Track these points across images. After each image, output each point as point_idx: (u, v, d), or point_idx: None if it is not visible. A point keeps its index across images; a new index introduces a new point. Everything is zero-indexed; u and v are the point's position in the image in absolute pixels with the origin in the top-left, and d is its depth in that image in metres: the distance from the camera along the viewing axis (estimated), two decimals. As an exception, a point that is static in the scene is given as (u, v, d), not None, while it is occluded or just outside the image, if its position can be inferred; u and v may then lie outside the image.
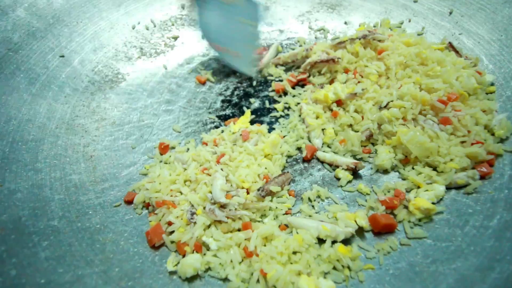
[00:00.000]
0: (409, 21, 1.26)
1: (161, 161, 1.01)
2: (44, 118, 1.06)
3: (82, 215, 0.86)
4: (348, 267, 0.75)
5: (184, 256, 0.79)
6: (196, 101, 1.18)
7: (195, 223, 0.81)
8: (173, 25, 1.40)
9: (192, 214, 0.83)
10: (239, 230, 0.81)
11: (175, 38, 1.36)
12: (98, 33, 1.30)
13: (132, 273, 0.76)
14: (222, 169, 0.90)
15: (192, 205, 0.85)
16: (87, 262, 0.77)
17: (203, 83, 1.22)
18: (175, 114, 1.14)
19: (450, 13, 1.22)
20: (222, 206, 0.82)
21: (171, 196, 0.89)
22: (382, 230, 0.80)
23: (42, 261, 0.75)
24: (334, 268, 0.75)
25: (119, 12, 1.37)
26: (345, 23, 1.35)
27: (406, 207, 0.83)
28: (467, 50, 1.13)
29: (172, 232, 0.82)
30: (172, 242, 0.81)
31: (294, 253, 0.77)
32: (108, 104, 1.15)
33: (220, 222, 0.81)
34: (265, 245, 0.79)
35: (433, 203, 0.82)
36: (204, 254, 0.79)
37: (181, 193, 0.89)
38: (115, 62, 1.27)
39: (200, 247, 0.79)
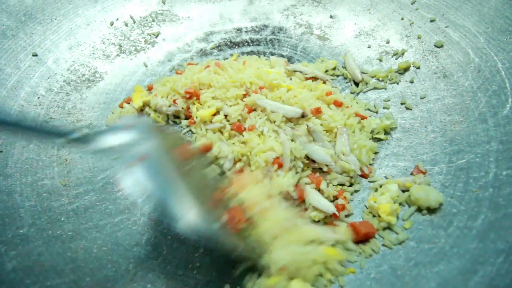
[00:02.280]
0: (402, 19, 1.22)
1: None
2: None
3: (54, 222, 0.83)
4: (330, 271, 0.73)
5: None
6: (177, 100, 1.14)
7: None
8: (153, 21, 1.35)
9: None
10: None
11: (156, 34, 1.32)
12: (74, 30, 1.25)
13: (104, 282, 0.73)
14: None
15: None
16: (57, 272, 0.74)
17: None
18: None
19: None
20: None
21: None
22: (362, 238, 0.77)
23: (8, 272, 0.72)
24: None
25: (96, 8, 1.31)
26: (331, 17, 1.32)
27: (374, 215, 0.81)
28: (454, 44, 1.10)
29: None
30: None
31: None
32: (84, 105, 1.11)
33: None
34: None
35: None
36: None
37: None
38: (92, 60, 1.22)
39: None
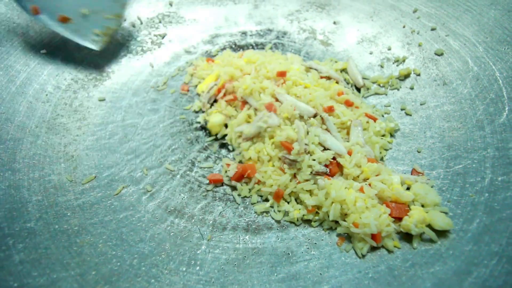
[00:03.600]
0: (404, 26, 1.25)
1: None
2: (24, 117, 1.04)
3: (60, 216, 0.85)
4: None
5: None
6: (182, 100, 1.16)
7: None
8: (160, 22, 1.38)
9: None
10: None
11: (162, 36, 1.34)
12: (82, 29, 1.27)
13: (109, 276, 0.75)
14: None
15: None
16: (63, 265, 0.76)
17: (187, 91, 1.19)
18: (160, 113, 1.13)
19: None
20: None
21: None
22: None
23: (16, 264, 0.74)
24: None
25: (104, 8, 1.34)
26: (334, 23, 1.35)
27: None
28: (453, 52, 1.13)
29: None
30: None
31: None
32: (91, 103, 1.13)
33: None
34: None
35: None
36: None
37: None
38: (100, 59, 1.24)
39: None
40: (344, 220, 0.81)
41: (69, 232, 0.82)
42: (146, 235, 0.84)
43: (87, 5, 1.03)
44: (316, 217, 0.85)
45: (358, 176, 0.87)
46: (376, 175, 0.86)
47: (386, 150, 0.98)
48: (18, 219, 0.82)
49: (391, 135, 1.02)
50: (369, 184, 0.84)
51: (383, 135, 1.00)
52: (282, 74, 1.03)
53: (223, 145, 1.05)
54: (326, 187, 0.83)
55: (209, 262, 0.80)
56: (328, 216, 0.82)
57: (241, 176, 0.93)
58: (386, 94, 1.13)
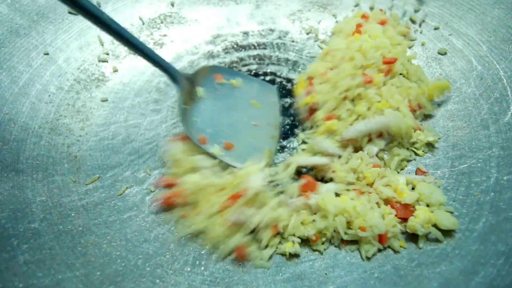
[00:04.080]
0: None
1: None
2: (27, 117, 1.03)
3: (64, 217, 0.85)
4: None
5: None
6: (184, 101, 1.16)
7: None
8: (162, 22, 1.38)
9: None
10: None
11: (164, 36, 1.34)
12: (85, 30, 1.27)
13: (114, 277, 0.75)
14: None
15: None
16: (68, 265, 0.75)
17: None
18: (163, 113, 1.13)
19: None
20: None
21: None
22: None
23: (21, 265, 0.74)
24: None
25: (106, 9, 1.34)
26: (337, 22, 1.34)
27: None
28: (457, 52, 1.13)
29: None
30: None
31: None
32: (94, 104, 1.13)
33: None
34: None
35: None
36: None
37: None
38: (102, 60, 1.24)
39: None
40: (350, 228, 0.79)
41: (73, 232, 0.82)
42: (150, 235, 0.84)
43: (251, 133, 1.00)
44: (323, 239, 0.80)
45: (360, 181, 0.86)
46: (382, 178, 0.85)
47: (409, 161, 0.93)
48: (22, 220, 0.82)
49: (429, 147, 0.95)
50: (375, 190, 0.83)
51: (417, 147, 0.94)
52: (389, 62, 0.92)
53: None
54: (320, 206, 0.78)
55: (214, 262, 0.80)
56: (335, 231, 0.79)
57: None
58: (389, 94, 1.12)
